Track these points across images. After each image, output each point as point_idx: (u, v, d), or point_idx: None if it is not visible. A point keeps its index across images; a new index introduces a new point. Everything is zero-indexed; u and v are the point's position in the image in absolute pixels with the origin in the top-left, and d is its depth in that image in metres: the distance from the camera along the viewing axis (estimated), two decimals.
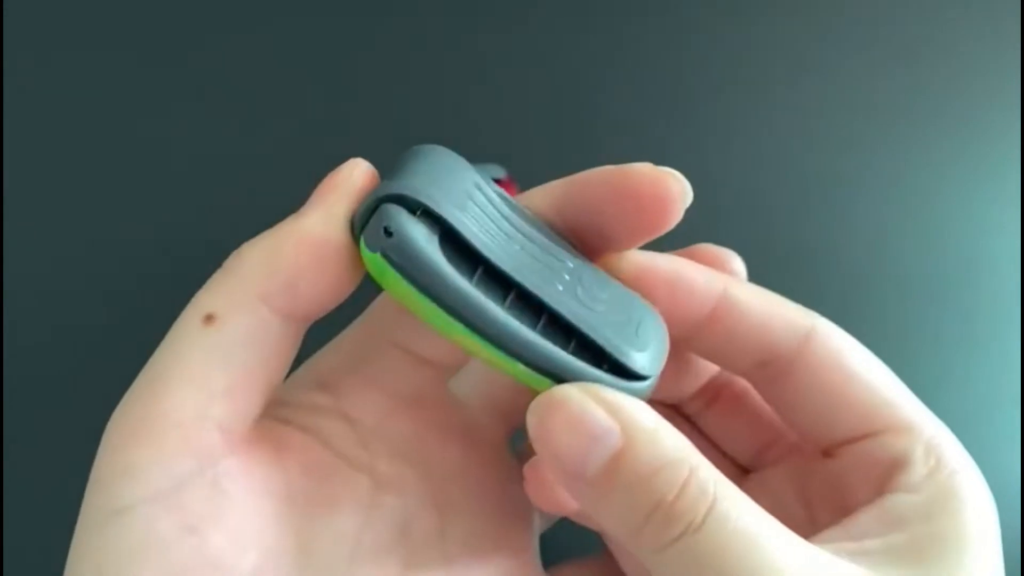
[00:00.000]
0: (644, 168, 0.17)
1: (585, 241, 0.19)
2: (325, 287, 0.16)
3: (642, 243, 0.18)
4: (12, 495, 0.28)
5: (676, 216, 0.18)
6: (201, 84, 0.33)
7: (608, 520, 0.15)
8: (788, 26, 0.34)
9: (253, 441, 0.17)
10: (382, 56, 0.34)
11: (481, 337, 0.16)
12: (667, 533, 0.14)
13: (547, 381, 0.16)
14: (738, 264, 0.21)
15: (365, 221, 0.16)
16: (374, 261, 0.16)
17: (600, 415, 0.15)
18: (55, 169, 0.32)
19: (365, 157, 0.18)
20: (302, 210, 0.17)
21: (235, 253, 0.16)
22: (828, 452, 0.19)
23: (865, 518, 0.17)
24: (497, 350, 0.16)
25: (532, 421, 0.15)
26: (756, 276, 0.21)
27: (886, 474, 0.18)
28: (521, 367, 0.16)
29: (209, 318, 0.16)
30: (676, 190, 0.17)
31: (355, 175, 0.17)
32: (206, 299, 0.16)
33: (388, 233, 0.15)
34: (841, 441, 0.19)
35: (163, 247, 0.31)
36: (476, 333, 0.16)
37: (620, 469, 0.15)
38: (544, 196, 0.19)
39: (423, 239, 0.15)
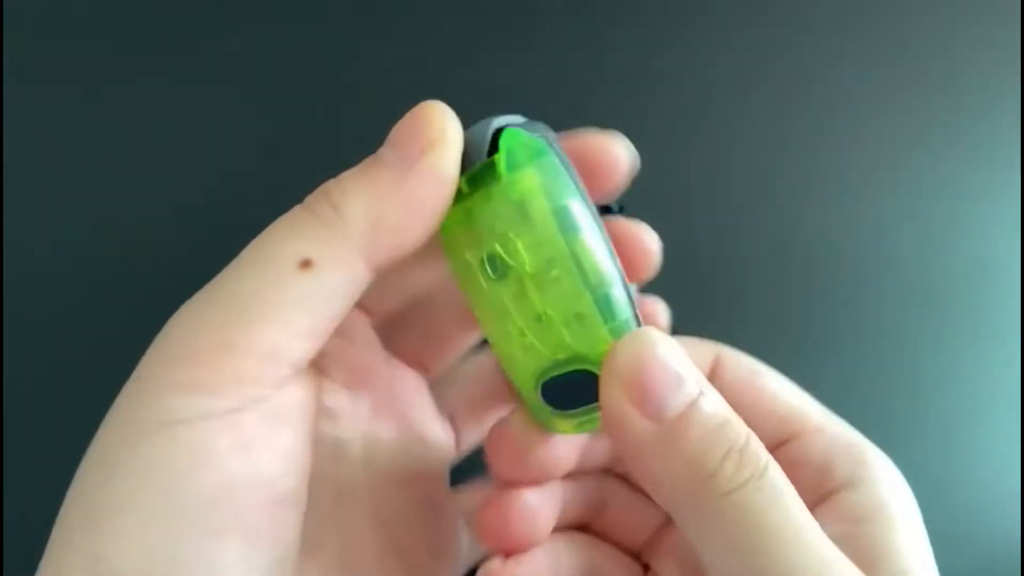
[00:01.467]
0: (594, 134, 0.19)
1: None
2: (421, 239, 0.17)
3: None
4: (12, 494, 0.28)
5: (624, 179, 0.19)
6: (201, 80, 0.33)
7: (674, 466, 0.16)
8: (789, 27, 0.34)
9: (306, 372, 0.17)
10: (384, 52, 0.34)
11: (590, 257, 0.16)
12: (739, 476, 0.15)
13: (602, 330, 0.16)
14: (661, 307, 0.22)
15: (492, 146, 0.17)
16: (521, 177, 0.16)
17: (685, 359, 0.16)
18: (55, 166, 0.32)
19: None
20: (395, 159, 0.17)
21: (326, 199, 0.16)
22: None
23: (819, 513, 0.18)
24: (591, 277, 0.16)
25: (620, 358, 0.16)
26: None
27: (816, 473, 0.19)
28: (603, 291, 0.16)
29: (306, 264, 0.16)
30: (625, 154, 0.19)
31: (448, 119, 0.17)
32: (303, 244, 0.16)
33: (543, 147, 0.16)
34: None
35: (163, 242, 0.32)
36: (589, 254, 0.16)
37: (697, 415, 0.16)
38: None
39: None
